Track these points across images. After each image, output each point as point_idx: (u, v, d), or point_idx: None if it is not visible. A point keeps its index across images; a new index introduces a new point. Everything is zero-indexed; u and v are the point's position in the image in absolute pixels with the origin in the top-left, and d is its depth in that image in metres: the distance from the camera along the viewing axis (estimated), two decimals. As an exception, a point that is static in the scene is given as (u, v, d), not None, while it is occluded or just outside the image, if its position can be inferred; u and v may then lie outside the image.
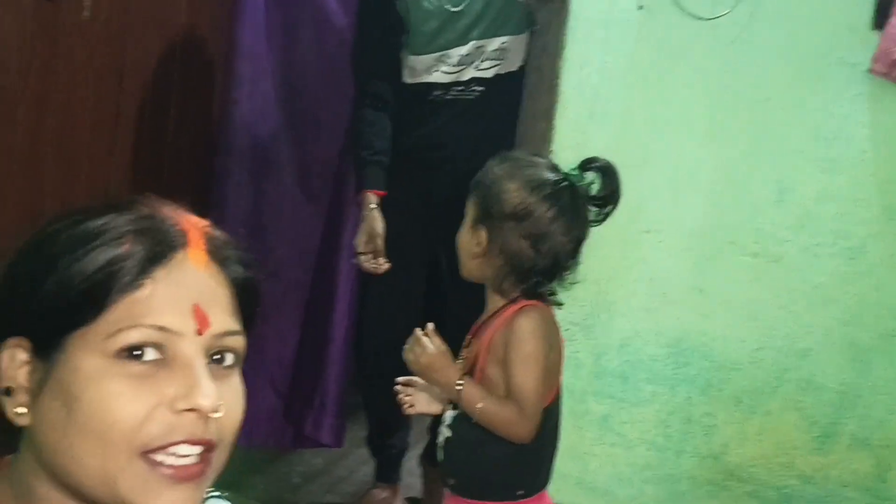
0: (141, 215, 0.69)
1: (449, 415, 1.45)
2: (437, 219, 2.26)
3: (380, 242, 2.15)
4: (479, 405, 1.35)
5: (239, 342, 0.69)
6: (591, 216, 1.40)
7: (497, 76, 2.19)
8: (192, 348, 0.65)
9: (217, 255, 0.70)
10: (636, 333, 1.91)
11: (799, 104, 1.82)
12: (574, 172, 1.40)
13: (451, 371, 1.40)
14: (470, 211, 1.44)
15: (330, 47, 2.56)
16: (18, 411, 0.66)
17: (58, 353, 0.64)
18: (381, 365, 2.38)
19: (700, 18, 1.83)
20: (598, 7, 1.89)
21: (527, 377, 1.36)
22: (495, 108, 2.16)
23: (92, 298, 0.64)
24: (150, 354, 0.64)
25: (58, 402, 0.64)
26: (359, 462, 2.56)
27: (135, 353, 0.63)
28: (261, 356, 2.54)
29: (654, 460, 1.94)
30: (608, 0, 1.89)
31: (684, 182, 1.88)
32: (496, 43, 2.16)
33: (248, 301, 0.73)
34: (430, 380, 1.44)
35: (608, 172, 1.41)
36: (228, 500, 0.79)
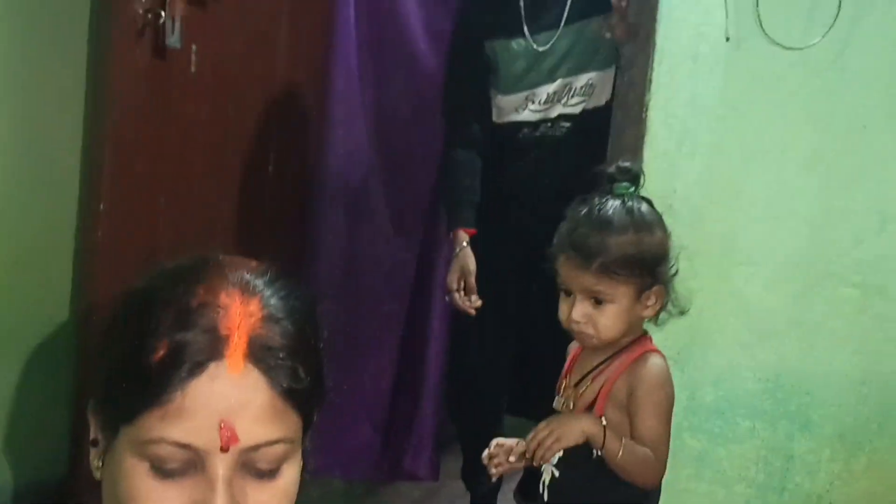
0: (189, 307, 0.66)
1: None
2: (529, 255, 2.28)
3: (472, 280, 2.19)
4: (623, 441, 1.33)
5: (278, 450, 0.67)
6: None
7: (584, 112, 2.21)
8: (216, 464, 0.65)
9: (260, 359, 0.66)
10: (731, 368, 1.87)
11: (898, 131, 1.77)
12: (632, 189, 1.42)
13: (581, 419, 1.38)
14: (620, 291, 1.37)
15: (420, 88, 2.63)
16: (95, 464, 0.71)
17: (117, 434, 0.68)
18: (475, 400, 2.40)
19: (791, 48, 1.80)
20: (684, 40, 1.89)
21: (659, 424, 1.37)
22: (584, 143, 2.17)
23: (129, 401, 0.66)
24: (178, 463, 0.65)
25: (108, 475, 0.69)
26: (454, 495, 2.58)
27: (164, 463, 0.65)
28: (359, 391, 2.60)
29: (755, 498, 1.89)
30: (695, 33, 1.88)
31: (781, 212, 1.85)
32: (583, 79, 2.19)
33: (301, 400, 0.69)
34: (567, 436, 1.36)
35: (628, 171, 1.44)
36: None
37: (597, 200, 1.41)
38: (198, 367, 0.64)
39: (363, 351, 2.63)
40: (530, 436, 1.38)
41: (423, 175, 2.66)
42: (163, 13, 1.75)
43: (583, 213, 1.41)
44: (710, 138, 1.89)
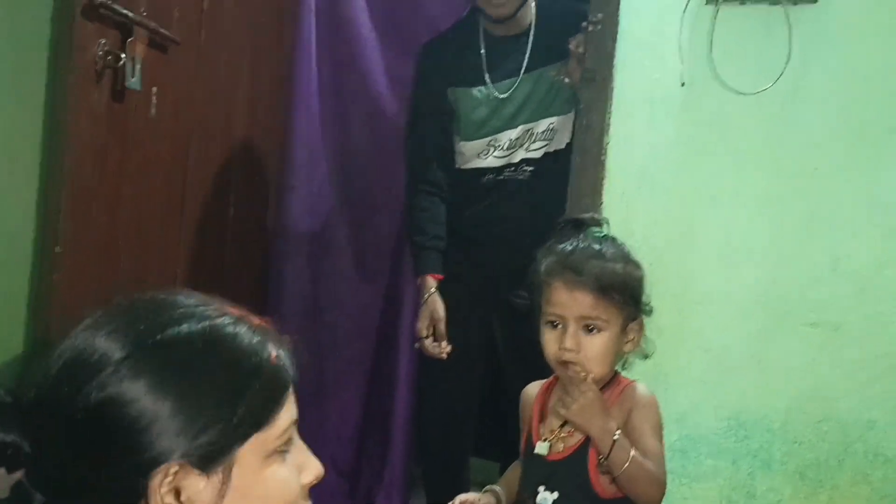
0: (250, 323, 0.86)
1: (548, 497, 1.41)
2: (494, 294, 2.29)
3: (441, 327, 2.19)
4: (633, 453, 1.33)
5: None
6: None
7: (546, 155, 2.25)
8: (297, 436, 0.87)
9: None
10: (694, 406, 1.88)
11: (849, 174, 1.81)
12: (603, 231, 1.48)
13: (608, 417, 1.36)
14: (612, 318, 1.38)
15: (382, 132, 2.65)
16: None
17: (227, 465, 0.78)
18: (441, 442, 2.39)
19: (743, 94, 1.86)
20: (640, 85, 1.94)
21: (660, 444, 1.39)
22: (546, 184, 2.21)
23: (270, 405, 0.81)
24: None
25: (241, 495, 0.79)
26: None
27: (284, 447, 0.83)
28: (324, 435, 2.56)
29: (720, 538, 1.89)
30: (651, 78, 1.93)
31: (737, 253, 1.88)
32: (544, 124, 2.23)
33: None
34: (584, 424, 1.35)
35: (598, 221, 1.51)
36: None
37: (581, 237, 1.45)
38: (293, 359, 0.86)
39: (329, 394, 2.60)
40: (561, 399, 1.38)
41: (385, 218, 2.66)
42: (123, 55, 1.75)
43: (570, 245, 1.43)
44: (667, 180, 1.92)
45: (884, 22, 1.79)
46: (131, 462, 0.74)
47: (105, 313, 0.81)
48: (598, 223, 1.49)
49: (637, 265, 1.45)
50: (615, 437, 1.33)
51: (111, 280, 1.83)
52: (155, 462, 0.75)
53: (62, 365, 0.77)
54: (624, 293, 1.39)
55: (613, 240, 1.46)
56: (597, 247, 1.42)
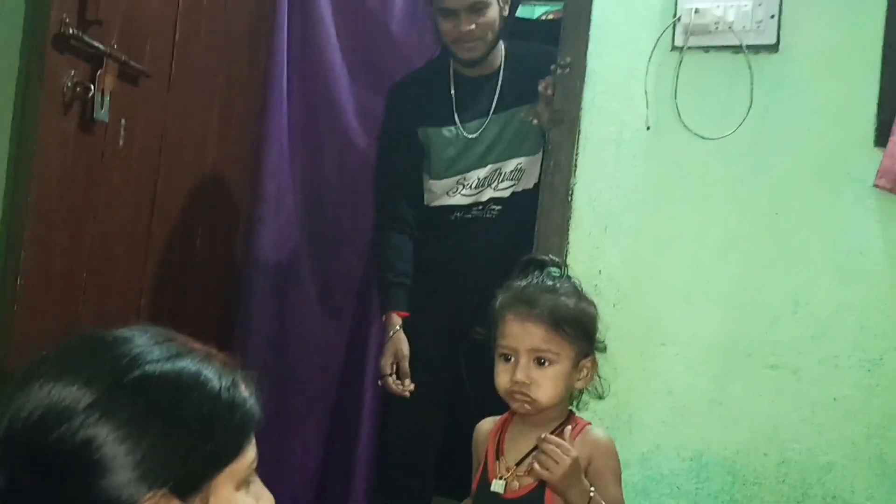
0: (212, 354, 0.89)
1: None
2: (460, 331, 2.29)
3: (405, 365, 2.18)
4: None
5: None
6: None
7: (514, 194, 2.27)
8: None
9: None
10: (657, 447, 1.89)
11: (809, 218, 1.85)
12: (561, 272, 1.50)
13: (582, 476, 1.34)
14: (564, 352, 1.39)
15: (351, 167, 2.67)
16: None
17: (203, 493, 0.81)
18: (403, 481, 2.37)
19: (707, 138, 1.90)
20: (607, 128, 1.97)
21: (621, 490, 1.40)
22: (514, 223, 2.23)
23: (240, 439, 0.85)
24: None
25: None
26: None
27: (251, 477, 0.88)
28: (284, 470, 2.53)
29: (681, 579, 1.89)
30: (617, 121, 1.97)
31: (699, 295, 1.91)
32: (512, 164, 2.25)
33: None
34: (565, 486, 1.32)
35: (557, 262, 1.54)
36: None
37: (536, 275, 1.47)
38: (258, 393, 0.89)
39: (292, 429, 2.58)
40: (539, 461, 1.33)
41: (352, 252, 2.66)
42: (92, 87, 1.74)
43: (525, 282, 1.46)
44: (632, 221, 1.95)
45: (841, 70, 1.84)
46: (112, 499, 0.77)
47: (65, 354, 0.82)
48: (558, 265, 1.51)
49: (590, 303, 1.48)
50: (591, 495, 1.34)
51: (73, 312, 1.80)
52: (132, 499, 0.77)
53: (30, 411, 0.77)
54: (576, 328, 1.41)
55: (569, 278, 1.50)
56: (550, 283, 1.45)
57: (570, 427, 1.41)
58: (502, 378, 1.41)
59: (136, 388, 0.79)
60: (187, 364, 0.84)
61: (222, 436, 0.83)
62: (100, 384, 0.78)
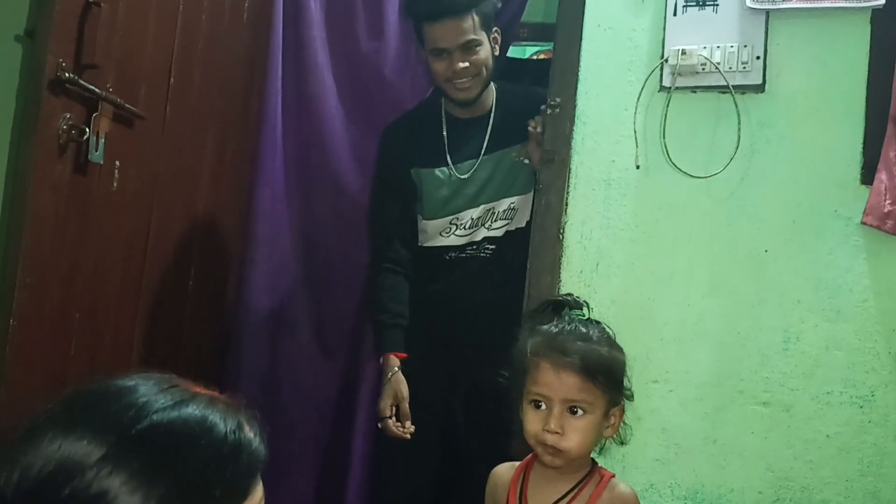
0: (219, 399, 0.89)
1: None
2: (456, 372, 2.29)
3: (405, 406, 2.16)
4: None
5: None
6: None
7: (507, 233, 2.28)
8: None
9: None
10: (651, 486, 1.88)
11: (798, 256, 1.87)
12: (585, 314, 1.49)
13: None
14: (597, 402, 1.38)
15: (345, 208, 2.67)
16: None
17: None
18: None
19: (695, 177, 1.92)
20: (597, 167, 2.00)
21: None
22: (508, 262, 2.24)
23: (247, 480, 0.86)
24: None
25: None
26: None
27: None
28: (274, 515, 2.50)
29: None
30: (607, 161, 1.99)
31: (690, 332, 1.92)
32: (505, 204, 2.27)
33: None
34: None
35: (579, 302, 1.52)
36: None
37: (566, 319, 1.45)
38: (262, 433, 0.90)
39: (283, 473, 2.55)
40: None
41: (346, 295, 2.66)
42: (87, 129, 1.76)
43: (556, 327, 1.44)
44: (623, 260, 1.96)
45: (827, 110, 1.87)
46: None
47: (71, 407, 0.83)
48: (580, 305, 1.49)
49: (620, 349, 1.45)
50: None
51: (66, 354, 1.80)
52: None
53: (41, 467, 0.78)
54: (609, 377, 1.39)
55: (598, 323, 1.47)
56: (583, 329, 1.43)
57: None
58: (534, 426, 1.38)
59: (145, 438, 0.81)
60: (193, 410, 0.85)
61: (231, 478, 0.84)
62: (109, 437, 0.79)
